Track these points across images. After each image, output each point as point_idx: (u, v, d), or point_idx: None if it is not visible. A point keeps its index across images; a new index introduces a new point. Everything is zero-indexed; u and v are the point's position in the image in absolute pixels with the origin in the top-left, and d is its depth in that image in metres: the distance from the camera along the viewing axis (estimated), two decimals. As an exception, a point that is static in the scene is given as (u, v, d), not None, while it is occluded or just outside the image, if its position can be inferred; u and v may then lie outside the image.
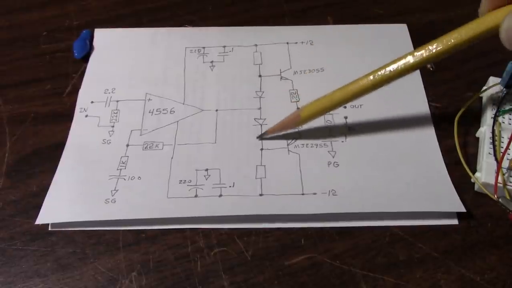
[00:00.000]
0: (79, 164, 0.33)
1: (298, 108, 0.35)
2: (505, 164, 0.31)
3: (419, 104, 0.36)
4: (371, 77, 0.30)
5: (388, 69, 0.30)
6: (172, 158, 0.33)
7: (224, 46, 0.40)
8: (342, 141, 0.34)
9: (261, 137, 0.34)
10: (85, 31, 0.41)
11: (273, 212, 0.30)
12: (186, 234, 0.30)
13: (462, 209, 0.30)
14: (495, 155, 0.31)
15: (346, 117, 0.35)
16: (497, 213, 0.30)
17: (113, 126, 0.35)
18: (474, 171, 0.32)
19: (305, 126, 0.34)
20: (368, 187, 0.31)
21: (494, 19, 0.26)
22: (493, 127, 0.32)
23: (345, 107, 0.36)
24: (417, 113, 0.35)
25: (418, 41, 0.39)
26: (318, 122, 0.35)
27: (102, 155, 0.33)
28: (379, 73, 0.30)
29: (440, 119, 0.35)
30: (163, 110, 0.36)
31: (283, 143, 0.34)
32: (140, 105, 0.36)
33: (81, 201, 0.31)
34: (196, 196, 0.31)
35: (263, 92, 0.37)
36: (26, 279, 0.29)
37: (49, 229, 0.30)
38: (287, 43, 0.40)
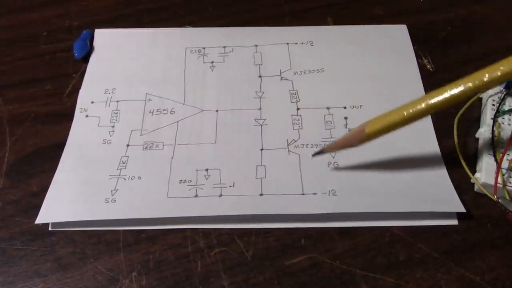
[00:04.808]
0: (79, 164, 0.33)
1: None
2: (504, 164, 0.31)
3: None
4: (447, 93, 0.27)
5: (463, 86, 0.27)
6: (172, 158, 0.33)
7: (224, 47, 0.40)
8: (342, 141, 0.34)
9: (317, 154, 0.33)
10: (85, 31, 0.41)
11: (273, 212, 0.30)
12: (186, 234, 0.30)
13: (462, 209, 0.30)
14: (494, 155, 0.31)
15: (346, 117, 0.35)
16: (497, 214, 0.30)
17: (113, 126, 0.35)
18: (474, 171, 0.32)
19: (305, 127, 0.35)
20: (368, 187, 0.31)
21: None
22: (492, 127, 0.32)
23: (345, 107, 0.36)
24: None
25: (418, 42, 0.40)
26: (318, 122, 0.35)
27: (102, 155, 0.33)
28: (455, 89, 0.27)
29: (440, 119, 0.35)
30: (163, 110, 0.36)
31: (283, 143, 0.34)
32: (140, 105, 0.36)
33: (81, 200, 0.31)
34: (196, 196, 0.31)
35: (263, 92, 0.37)
36: (26, 279, 0.29)
37: (49, 229, 0.30)
38: (287, 43, 0.40)
